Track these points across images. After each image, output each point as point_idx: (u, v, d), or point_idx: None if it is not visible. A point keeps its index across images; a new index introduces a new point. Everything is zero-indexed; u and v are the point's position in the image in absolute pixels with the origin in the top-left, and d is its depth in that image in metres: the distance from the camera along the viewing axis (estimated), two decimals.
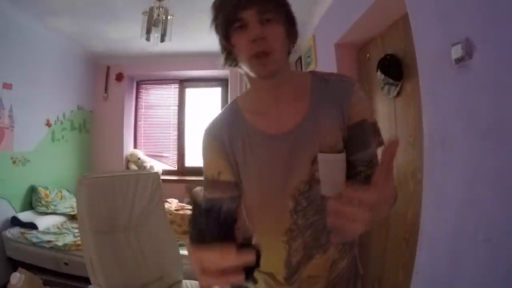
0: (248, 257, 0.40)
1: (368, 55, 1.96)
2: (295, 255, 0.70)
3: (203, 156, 0.75)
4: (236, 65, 0.71)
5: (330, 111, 0.66)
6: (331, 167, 0.64)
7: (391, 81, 1.60)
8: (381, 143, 0.68)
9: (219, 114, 0.77)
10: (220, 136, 0.71)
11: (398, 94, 1.61)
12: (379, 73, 1.64)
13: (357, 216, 0.45)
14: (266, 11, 0.60)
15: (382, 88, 1.71)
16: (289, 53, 0.68)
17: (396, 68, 1.56)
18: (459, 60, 0.97)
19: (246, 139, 0.69)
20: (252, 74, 0.65)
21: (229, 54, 0.69)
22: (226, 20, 0.61)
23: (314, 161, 0.64)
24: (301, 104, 0.67)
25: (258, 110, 0.71)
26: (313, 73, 0.72)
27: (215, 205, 0.45)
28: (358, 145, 0.66)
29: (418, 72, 1.24)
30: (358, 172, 0.67)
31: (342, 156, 0.65)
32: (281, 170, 0.67)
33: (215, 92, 3.90)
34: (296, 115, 0.67)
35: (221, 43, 0.69)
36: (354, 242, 0.77)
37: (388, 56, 1.61)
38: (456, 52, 0.97)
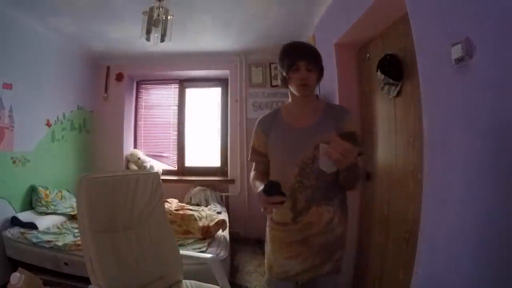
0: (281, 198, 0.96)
1: (368, 55, 1.96)
2: (298, 205, 1.13)
3: (253, 133, 1.29)
4: (286, 87, 1.21)
5: (330, 124, 1.15)
6: (327, 151, 0.98)
7: (391, 81, 1.60)
8: (360, 151, 1.00)
9: (268, 112, 1.32)
10: (264, 124, 1.26)
11: (398, 94, 1.61)
12: (379, 73, 1.64)
13: (336, 153, 0.89)
14: (310, 64, 1.12)
15: (382, 88, 1.72)
16: (317, 85, 1.25)
17: (396, 68, 1.56)
18: (459, 60, 0.97)
19: (280, 128, 1.22)
20: (295, 93, 1.18)
21: (284, 81, 1.20)
22: (288, 64, 1.13)
23: (316, 147, 1.07)
24: (316, 115, 1.19)
25: (290, 113, 1.24)
26: (326, 101, 1.35)
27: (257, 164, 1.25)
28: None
29: (418, 72, 1.24)
30: None
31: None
32: (295, 148, 1.15)
33: (215, 92, 3.90)
34: (311, 120, 1.18)
35: (281, 76, 1.19)
36: (343, 206, 1.19)
37: (388, 56, 1.61)
38: (456, 52, 0.97)
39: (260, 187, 1.01)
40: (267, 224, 1.24)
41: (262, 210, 1.04)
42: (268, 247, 1.24)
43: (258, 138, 1.25)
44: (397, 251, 1.60)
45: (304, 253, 1.13)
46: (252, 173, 1.30)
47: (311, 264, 1.13)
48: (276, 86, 3.36)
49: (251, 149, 1.30)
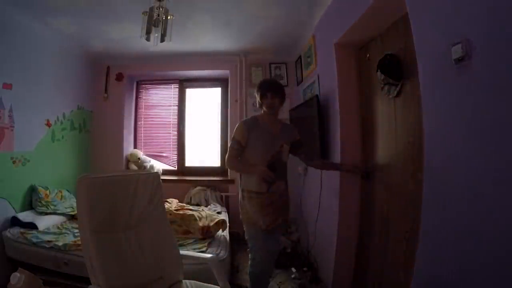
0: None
1: (368, 55, 1.96)
2: (270, 181, 1.74)
3: (238, 130, 1.80)
4: (260, 107, 1.87)
5: (287, 132, 1.89)
6: (286, 150, 1.84)
7: (391, 81, 1.60)
8: (303, 149, 1.96)
9: (249, 117, 1.91)
10: (247, 125, 1.79)
11: (398, 94, 1.61)
12: (379, 73, 1.64)
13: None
14: (276, 94, 1.80)
15: (382, 88, 1.71)
16: (280, 107, 1.87)
17: (396, 68, 1.56)
18: (459, 60, 0.97)
19: (259, 130, 1.79)
20: (267, 111, 1.83)
21: (259, 104, 1.87)
22: (261, 94, 1.83)
23: (282, 146, 1.81)
24: (279, 126, 1.88)
25: (265, 122, 1.84)
26: (280, 120, 1.92)
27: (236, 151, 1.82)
28: (296, 147, 1.91)
29: (418, 72, 1.24)
30: (298, 153, 1.95)
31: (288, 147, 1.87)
32: (269, 145, 1.78)
33: (215, 92, 3.90)
34: (277, 129, 1.85)
35: (258, 100, 1.87)
36: (287, 181, 1.89)
37: (388, 56, 1.61)
38: (456, 52, 0.97)
39: (258, 166, 1.73)
40: (244, 195, 1.78)
41: (262, 179, 1.72)
42: (247, 209, 1.77)
43: (243, 134, 1.77)
44: (397, 251, 1.60)
45: (275, 211, 1.75)
46: (232, 158, 1.80)
47: (278, 217, 1.76)
48: None
49: (234, 140, 1.79)
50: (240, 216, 1.83)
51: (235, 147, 1.78)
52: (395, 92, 1.62)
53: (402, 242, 1.54)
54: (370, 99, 1.95)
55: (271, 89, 1.78)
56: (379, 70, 1.63)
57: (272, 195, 1.75)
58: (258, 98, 1.84)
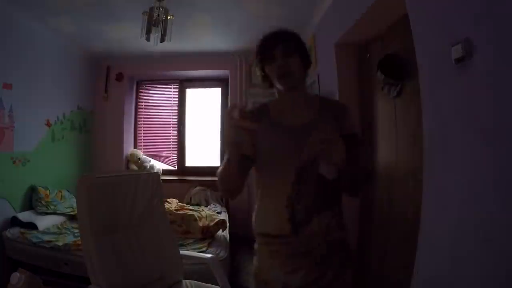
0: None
1: (368, 55, 1.96)
2: (298, 215, 0.94)
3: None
4: (271, 86, 1.04)
5: (329, 121, 0.99)
6: (334, 152, 0.84)
7: (391, 81, 1.60)
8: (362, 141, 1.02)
9: (254, 104, 1.13)
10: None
11: (398, 94, 1.61)
12: (379, 73, 1.63)
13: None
14: (288, 48, 0.96)
15: (382, 88, 1.71)
16: (305, 74, 1.03)
17: (396, 68, 1.56)
18: (459, 60, 0.97)
19: (269, 127, 0.99)
20: (280, 89, 1.00)
21: (265, 79, 1.04)
22: (262, 58, 1.00)
23: (320, 144, 0.84)
24: (311, 111, 1.02)
25: (280, 110, 1.04)
26: (320, 97, 1.10)
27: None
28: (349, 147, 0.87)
29: (418, 72, 1.24)
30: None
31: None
32: (290, 151, 0.95)
33: (215, 92, 3.90)
34: (306, 117, 1.00)
35: (261, 74, 1.04)
36: (342, 213, 1.04)
37: (388, 56, 1.61)
38: (456, 52, 0.97)
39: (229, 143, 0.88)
40: (258, 242, 1.03)
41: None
42: (260, 263, 1.01)
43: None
44: (397, 251, 1.60)
45: (307, 266, 0.95)
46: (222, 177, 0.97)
47: (314, 277, 0.95)
48: None
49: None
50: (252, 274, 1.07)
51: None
52: (395, 92, 1.61)
53: (402, 242, 1.54)
54: (370, 99, 1.95)
55: (279, 42, 0.97)
56: (379, 70, 1.63)
57: (304, 240, 0.94)
58: (259, 71, 1.05)
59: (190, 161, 3.82)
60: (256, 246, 1.04)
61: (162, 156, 3.82)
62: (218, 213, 2.87)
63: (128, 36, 2.85)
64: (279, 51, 0.95)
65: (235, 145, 0.85)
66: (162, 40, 1.99)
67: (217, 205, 3.22)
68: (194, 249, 2.07)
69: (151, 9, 1.88)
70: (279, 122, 1.01)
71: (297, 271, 0.95)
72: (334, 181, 0.95)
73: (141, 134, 3.87)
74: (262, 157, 0.99)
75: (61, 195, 2.81)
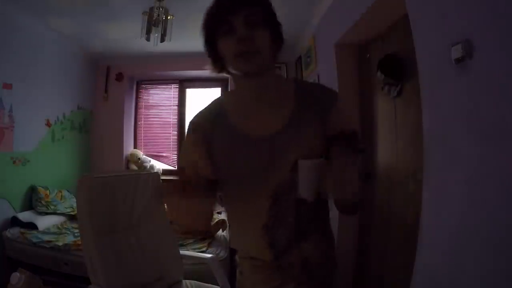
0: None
1: (368, 55, 1.96)
2: (278, 244, 0.73)
3: (187, 145, 0.79)
4: (223, 70, 0.73)
5: (310, 119, 0.70)
6: (309, 172, 0.65)
7: (391, 81, 1.60)
8: (361, 150, 0.66)
9: (204, 109, 0.81)
10: (201, 128, 0.76)
11: (398, 94, 1.61)
12: (379, 73, 1.63)
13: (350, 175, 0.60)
14: (251, 14, 0.64)
15: (382, 88, 1.71)
16: (274, 57, 0.72)
17: (396, 68, 1.56)
18: (459, 60, 0.97)
19: (228, 139, 0.74)
20: (237, 72, 0.69)
21: (215, 58, 0.72)
22: (213, 27, 0.67)
23: (294, 165, 0.66)
24: (285, 110, 0.72)
25: (242, 112, 0.74)
26: (296, 81, 0.78)
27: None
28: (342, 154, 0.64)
29: (418, 72, 1.24)
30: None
31: (321, 162, 0.66)
32: (261, 172, 0.71)
33: (215, 92, 3.90)
34: (278, 120, 0.71)
35: (209, 51, 0.72)
36: (330, 232, 0.81)
37: (388, 56, 1.61)
38: (456, 52, 0.97)
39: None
40: (239, 264, 0.84)
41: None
42: (243, 276, 0.83)
43: (194, 151, 0.75)
44: (397, 251, 1.60)
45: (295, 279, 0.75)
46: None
47: None
48: None
49: (180, 167, 0.84)
50: None
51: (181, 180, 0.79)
52: (395, 92, 1.61)
53: (402, 242, 1.54)
54: (370, 99, 1.95)
55: (242, 5, 0.65)
56: (379, 70, 1.63)
57: (286, 266, 0.75)
58: (207, 47, 0.71)
59: None
60: (237, 258, 0.86)
61: (162, 156, 3.82)
62: (218, 213, 2.87)
63: (128, 36, 2.85)
64: (240, 18, 0.63)
65: (194, 166, 0.69)
66: (162, 40, 1.99)
67: (217, 205, 3.21)
68: (194, 249, 2.07)
69: (151, 9, 1.88)
70: (241, 130, 0.73)
71: (285, 285, 0.76)
72: (318, 203, 0.71)
73: (141, 134, 3.87)
74: (224, 178, 0.77)
75: (61, 195, 2.81)
